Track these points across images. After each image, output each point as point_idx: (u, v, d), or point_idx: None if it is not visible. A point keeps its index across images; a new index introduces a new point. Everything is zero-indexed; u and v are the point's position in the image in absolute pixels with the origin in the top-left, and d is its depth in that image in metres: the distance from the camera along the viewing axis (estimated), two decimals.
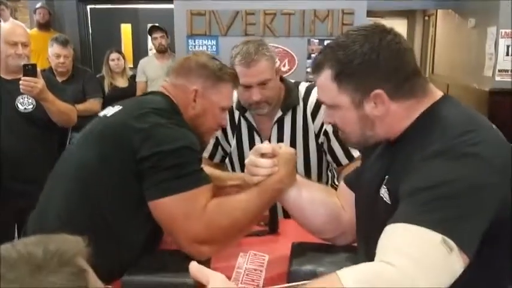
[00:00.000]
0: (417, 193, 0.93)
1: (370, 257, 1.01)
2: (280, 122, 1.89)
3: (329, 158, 1.93)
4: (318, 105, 1.86)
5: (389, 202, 1.07)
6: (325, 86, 1.10)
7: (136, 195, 1.25)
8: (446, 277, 0.85)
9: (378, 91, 1.04)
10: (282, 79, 1.90)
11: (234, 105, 1.93)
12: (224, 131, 1.97)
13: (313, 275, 1.17)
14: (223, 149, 2.02)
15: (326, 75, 1.08)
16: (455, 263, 0.86)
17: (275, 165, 1.30)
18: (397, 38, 1.06)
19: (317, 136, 1.90)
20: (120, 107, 1.37)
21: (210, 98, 1.45)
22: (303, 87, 1.93)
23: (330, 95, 1.10)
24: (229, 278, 0.86)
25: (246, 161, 1.35)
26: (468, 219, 0.88)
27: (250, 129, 1.94)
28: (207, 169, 1.73)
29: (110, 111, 1.39)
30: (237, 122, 1.96)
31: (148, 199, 1.24)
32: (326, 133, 1.88)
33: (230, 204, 1.30)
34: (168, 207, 1.23)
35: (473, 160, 0.93)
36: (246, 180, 1.35)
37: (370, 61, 1.03)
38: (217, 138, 1.99)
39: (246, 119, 1.94)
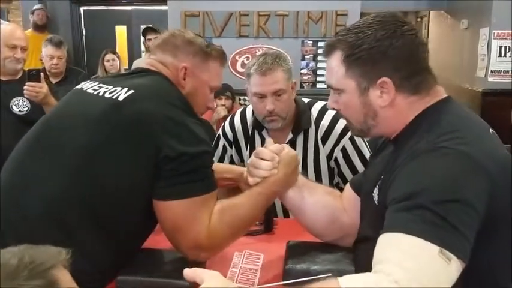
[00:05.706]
0: (406, 198, 0.91)
1: (357, 252, 1.01)
2: (292, 143, 1.87)
3: (339, 179, 1.91)
4: (328, 130, 1.86)
5: (376, 203, 1.07)
6: (333, 68, 1.09)
7: (143, 189, 1.19)
8: (446, 286, 0.86)
9: (385, 79, 1.03)
10: (294, 100, 1.88)
11: (249, 122, 1.96)
12: (238, 149, 1.99)
13: (307, 274, 1.17)
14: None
15: (336, 57, 1.08)
16: (454, 271, 0.86)
17: (274, 167, 1.29)
18: (414, 30, 1.05)
19: (328, 158, 1.89)
20: (130, 91, 1.24)
21: (199, 76, 1.39)
22: (315, 110, 1.90)
23: (337, 78, 1.09)
24: (224, 277, 0.86)
25: (247, 162, 1.35)
26: (461, 225, 0.88)
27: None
28: None
29: (115, 93, 1.25)
30: (250, 138, 1.96)
31: (158, 198, 1.19)
32: (336, 159, 1.87)
33: (231, 212, 1.26)
34: (177, 209, 1.19)
35: (454, 156, 0.92)
36: (245, 181, 1.35)
37: (381, 48, 1.02)
38: (231, 157, 2.01)
39: (261, 136, 1.94)
